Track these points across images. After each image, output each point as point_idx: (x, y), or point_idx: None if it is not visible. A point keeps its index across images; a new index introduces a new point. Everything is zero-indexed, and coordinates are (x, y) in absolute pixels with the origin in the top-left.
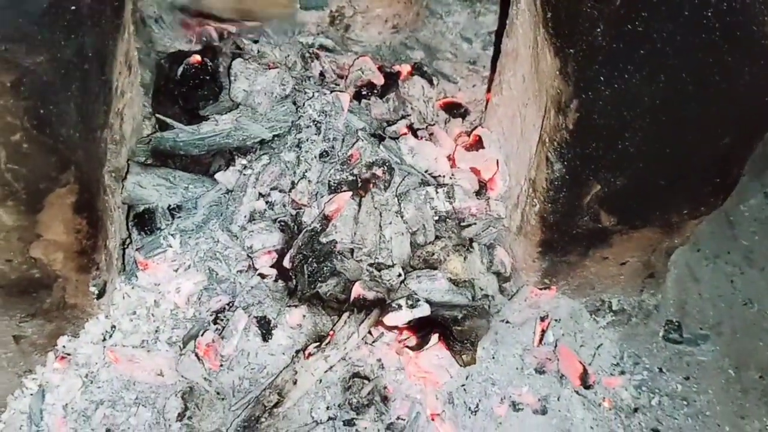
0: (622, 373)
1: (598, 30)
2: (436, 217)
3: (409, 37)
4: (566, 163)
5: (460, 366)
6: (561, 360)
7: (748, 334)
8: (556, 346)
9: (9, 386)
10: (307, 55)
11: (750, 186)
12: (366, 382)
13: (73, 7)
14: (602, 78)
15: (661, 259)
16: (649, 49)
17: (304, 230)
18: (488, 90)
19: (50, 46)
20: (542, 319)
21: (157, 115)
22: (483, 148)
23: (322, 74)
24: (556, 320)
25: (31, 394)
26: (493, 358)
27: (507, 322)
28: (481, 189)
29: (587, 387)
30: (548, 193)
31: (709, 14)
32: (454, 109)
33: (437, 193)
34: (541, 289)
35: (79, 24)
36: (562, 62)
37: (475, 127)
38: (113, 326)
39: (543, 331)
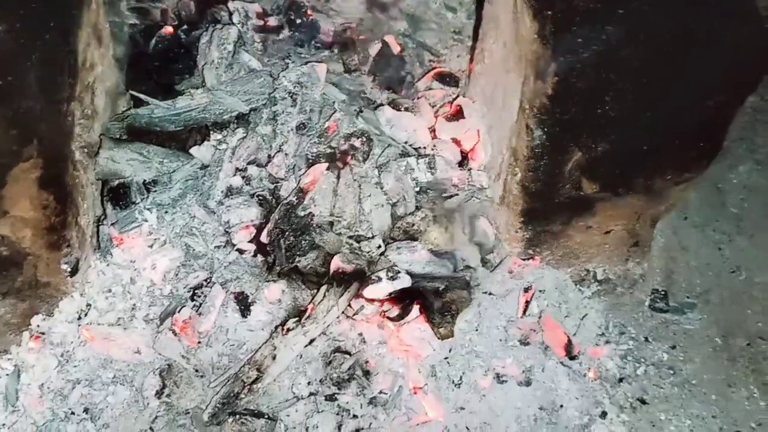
0: (608, 343)
1: None
2: (417, 189)
3: (392, 6)
4: (546, 130)
5: (438, 339)
6: (545, 331)
7: (735, 302)
8: (540, 317)
9: None
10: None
11: (739, 153)
12: (347, 356)
13: None
14: (580, 40)
15: (645, 227)
16: (628, 7)
17: (281, 204)
18: (471, 59)
19: (8, 13)
20: (526, 290)
21: (131, 92)
22: (464, 118)
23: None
24: (540, 291)
25: (7, 375)
26: (477, 330)
27: (490, 293)
28: (463, 159)
29: (572, 358)
30: (529, 161)
31: None
32: (447, 78)
33: (418, 163)
34: (524, 259)
35: None
36: (541, 25)
37: (456, 97)
38: (88, 304)
39: (527, 303)
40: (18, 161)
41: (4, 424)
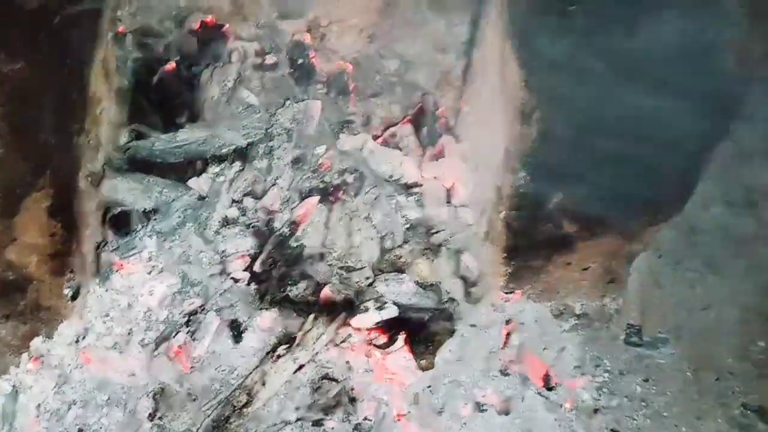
0: (584, 375)
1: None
2: (407, 224)
3: (385, 47)
4: (530, 172)
5: (419, 370)
6: (525, 362)
7: (706, 338)
8: (520, 349)
9: None
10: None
11: (712, 195)
12: (334, 383)
13: (53, 15)
14: (564, 91)
15: (622, 265)
16: (607, 61)
17: (274, 235)
18: (460, 99)
19: (28, 51)
20: (507, 323)
21: (134, 126)
22: (448, 156)
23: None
24: (521, 324)
25: (5, 395)
26: (459, 360)
27: (473, 325)
28: (450, 196)
29: (550, 388)
30: (513, 200)
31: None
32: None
33: (407, 200)
34: (506, 293)
35: (58, 31)
36: (527, 74)
37: (441, 135)
38: (87, 328)
39: (508, 335)
40: (32, 191)
41: None
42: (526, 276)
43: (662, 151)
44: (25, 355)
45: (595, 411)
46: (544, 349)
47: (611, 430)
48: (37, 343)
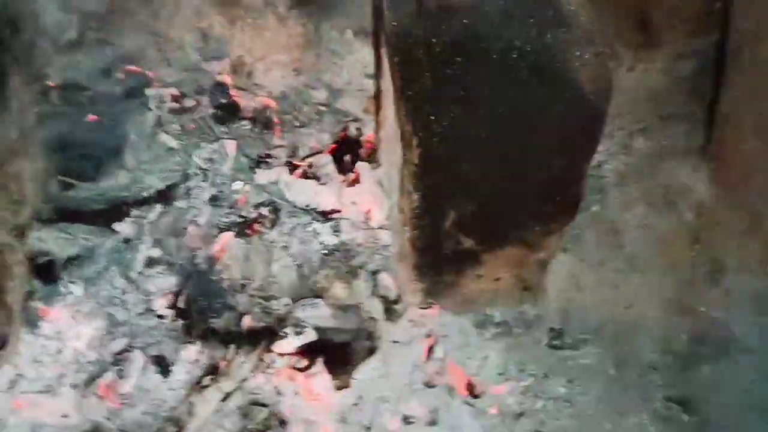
0: (508, 380)
1: (426, 74)
2: (325, 250)
3: (313, 79)
4: (421, 193)
5: (336, 389)
6: (449, 373)
7: (629, 336)
8: (443, 361)
9: None
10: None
11: (634, 196)
12: (263, 408)
13: None
14: (433, 117)
15: (534, 272)
16: (467, 90)
17: (195, 271)
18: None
19: None
20: (427, 337)
21: (60, 177)
22: (364, 181)
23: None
24: (443, 336)
25: None
26: (383, 376)
27: (395, 341)
28: (366, 220)
29: (475, 396)
30: (413, 220)
31: (515, 56)
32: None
33: (324, 227)
34: (424, 308)
35: None
36: (404, 103)
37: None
38: (18, 374)
39: (429, 348)
40: None
41: None
42: (439, 291)
43: (535, 167)
44: None
45: (520, 415)
46: (468, 358)
47: (535, 431)
48: None
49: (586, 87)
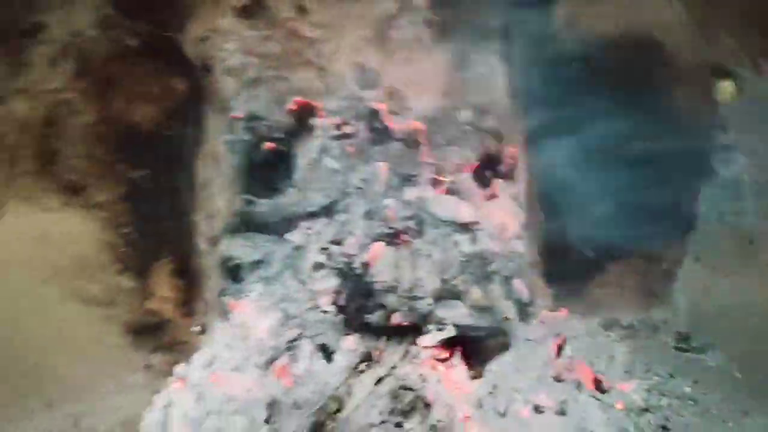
0: (634, 378)
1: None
2: (464, 258)
3: (459, 100)
4: (547, 209)
5: (470, 379)
6: (577, 369)
7: (756, 341)
8: (572, 358)
9: (144, 402)
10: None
11: None
12: (410, 392)
13: (167, 134)
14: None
15: (659, 280)
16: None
17: (353, 274)
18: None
19: (149, 163)
20: (557, 336)
21: (244, 195)
22: (501, 197)
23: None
24: (572, 336)
25: (160, 408)
26: (517, 370)
27: (528, 339)
28: (502, 231)
29: (602, 391)
30: (541, 232)
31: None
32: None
33: (463, 238)
34: (554, 311)
35: (168, 143)
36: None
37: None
38: (214, 356)
39: (559, 346)
40: (156, 260)
41: None
42: (569, 295)
43: (655, 186)
44: (171, 378)
45: (645, 410)
46: (595, 357)
47: (661, 426)
48: (179, 368)
49: (686, 116)
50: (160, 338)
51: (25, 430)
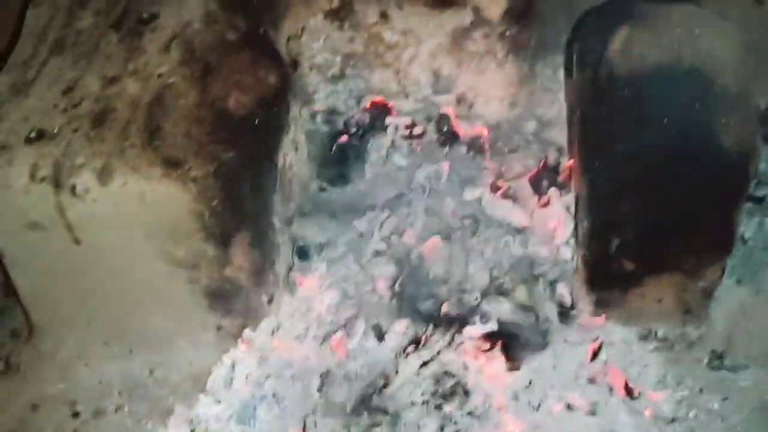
0: (665, 389)
1: (599, 126)
2: (514, 259)
3: (526, 111)
4: (590, 221)
5: (507, 371)
6: (610, 374)
7: None
8: (606, 363)
9: (214, 360)
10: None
11: None
12: (452, 377)
13: (256, 121)
14: (602, 158)
15: (696, 297)
16: (632, 140)
17: (408, 264)
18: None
19: (238, 145)
20: (594, 340)
21: (318, 182)
22: (553, 204)
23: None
24: (609, 343)
25: (227, 366)
26: (553, 368)
27: (566, 341)
28: (552, 237)
29: (632, 398)
30: (585, 242)
31: (672, 116)
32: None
33: (514, 240)
34: (594, 317)
35: (257, 129)
36: (580, 144)
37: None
38: (278, 324)
39: (594, 350)
40: (237, 232)
41: (221, 399)
42: (608, 304)
43: (694, 204)
44: (239, 340)
45: (673, 420)
46: (630, 365)
47: None
48: (247, 332)
49: (730, 148)
50: (233, 303)
51: (107, 372)
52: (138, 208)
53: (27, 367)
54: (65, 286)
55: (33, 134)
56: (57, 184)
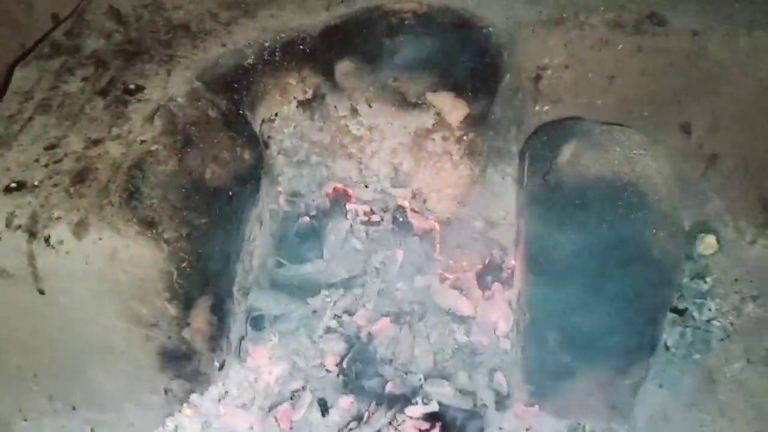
0: None
1: (546, 231)
2: (457, 346)
3: (474, 211)
4: (530, 316)
5: None
6: None
7: None
8: None
9: (157, 423)
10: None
11: (735, 353)
12: None
13: (229, 193)
14: (544, 263)
15: (623, 394)
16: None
17: (358, 342)
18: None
19: (211, 213)
20: (527, 429)
21: (277, 258)
22: (497, 298)
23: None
24: None
25: (170, 430)
26: None
27: (500, 428)
28: (494, 328)
29: None
30: (524, 335)
31: (609, 227)
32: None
33: (459, 328)
34: (528, 406)
35: (229, 201)
36: (525, 248)
37: (494, 282)
38: (226, 391)
39: None
40: (201, 296)
41: None
42: (543, 395)
43: (624, 306)
44: (185, 405)
45: None
46: None
47: None
48: (194, 397)
49: (659, 258)
50: (185, 366)
51: (46, 428)
52: (109, 264)
53: None
54: (19, 335)
55: (13, 184)
56: (32, 234)
